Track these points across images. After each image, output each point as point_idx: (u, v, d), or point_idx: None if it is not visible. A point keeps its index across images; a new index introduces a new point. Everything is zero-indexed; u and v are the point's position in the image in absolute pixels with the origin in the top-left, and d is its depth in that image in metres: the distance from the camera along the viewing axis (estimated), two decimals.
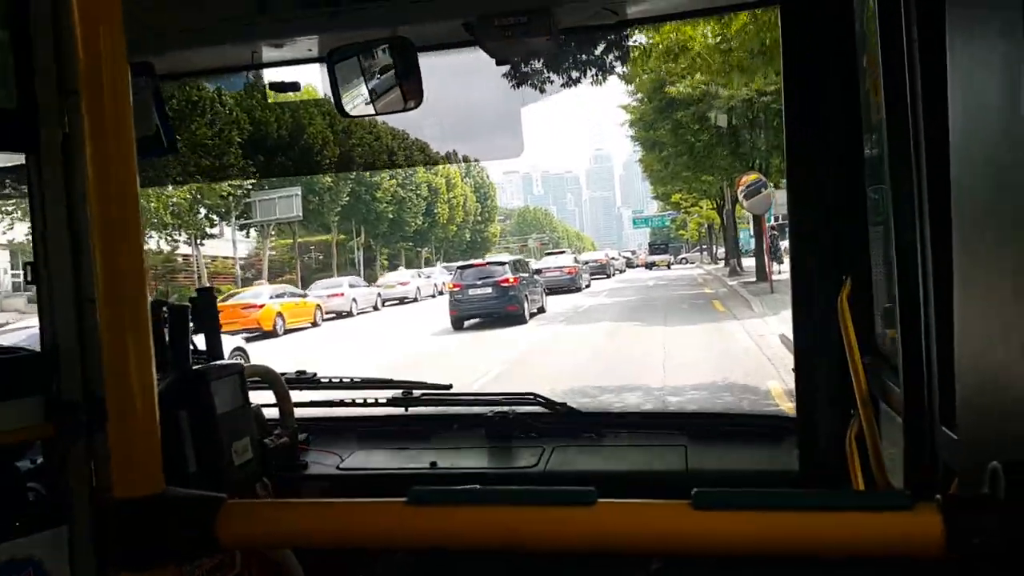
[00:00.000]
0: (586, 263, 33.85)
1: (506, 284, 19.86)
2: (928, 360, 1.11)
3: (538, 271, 22.90)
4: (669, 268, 50.74)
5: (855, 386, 1.56)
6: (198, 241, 30.93)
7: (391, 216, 53.97)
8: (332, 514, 0.86)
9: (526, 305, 19.11)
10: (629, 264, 62.67)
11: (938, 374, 1.08)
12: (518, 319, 18.63)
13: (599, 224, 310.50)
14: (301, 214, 37.54)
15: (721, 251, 46.69)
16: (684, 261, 63.53)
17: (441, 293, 27.81)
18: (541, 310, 20.61)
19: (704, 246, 64.30)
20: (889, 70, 1.20)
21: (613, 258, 47.31)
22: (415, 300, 29.54)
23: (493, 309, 18.98)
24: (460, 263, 25.09)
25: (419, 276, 34.20)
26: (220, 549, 0.83)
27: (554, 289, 26.07)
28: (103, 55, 0.81)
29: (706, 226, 49.24)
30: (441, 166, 47.64)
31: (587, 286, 30.63)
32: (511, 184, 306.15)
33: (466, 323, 19.01)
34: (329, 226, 44.35)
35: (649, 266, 52.02)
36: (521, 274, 19.87)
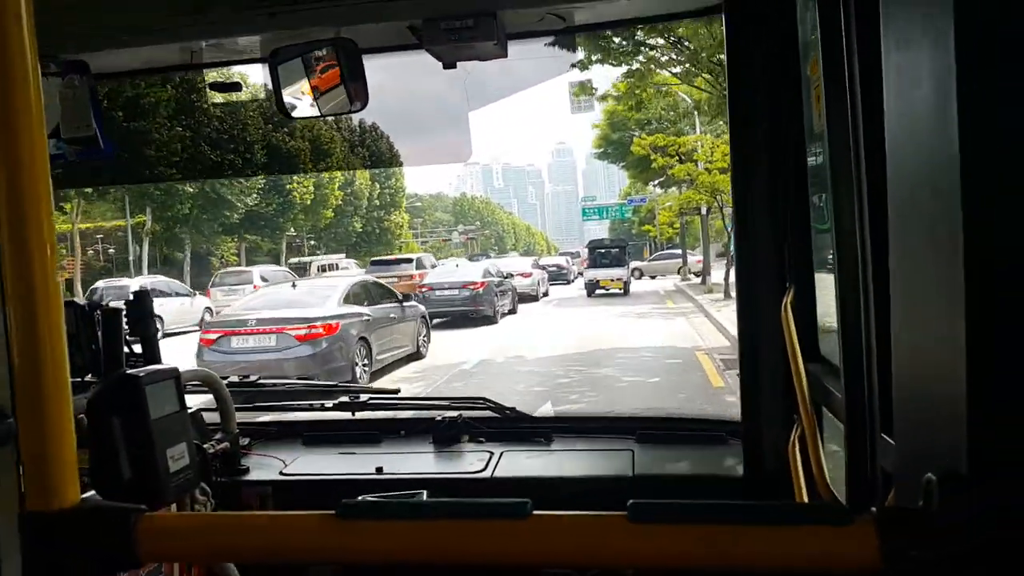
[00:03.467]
0: (432, 289, 20.91)
1: None
2: (868, 367, 1.21)
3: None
4: (625, 293, 30.69)
5: (798, 393, 1.69)
6: None
7: (194, 190, 40.04)
8: (258, 528, 0.87)
9: None
10: (559, 276, 42.33)
11: (878, 381, 1.17)
12: None
13: (560, 219, 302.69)
14: None
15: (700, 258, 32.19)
16: (638, 275, 41.80)
17: None
18: None
19: (680, 248, 36.56)
20: (830, 79, 1.33)
21: (507, 276, 25.30)
22: None
23: None
24: None
25: None
26: (139, 563, 0.86)
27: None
28: (9, 46, 0.83)
29: (704, 210, 23.67)
30: (310, 126, 35.98)
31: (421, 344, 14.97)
32: (471, 176, 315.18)
33: None
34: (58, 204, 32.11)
35: (591, 288, 31.03)
36: None
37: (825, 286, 1.76)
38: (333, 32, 1.96)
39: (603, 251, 33.86)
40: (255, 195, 41.24)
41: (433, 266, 28.76)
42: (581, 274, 32.96)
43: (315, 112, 2.07)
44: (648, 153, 26.67)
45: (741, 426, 2.07)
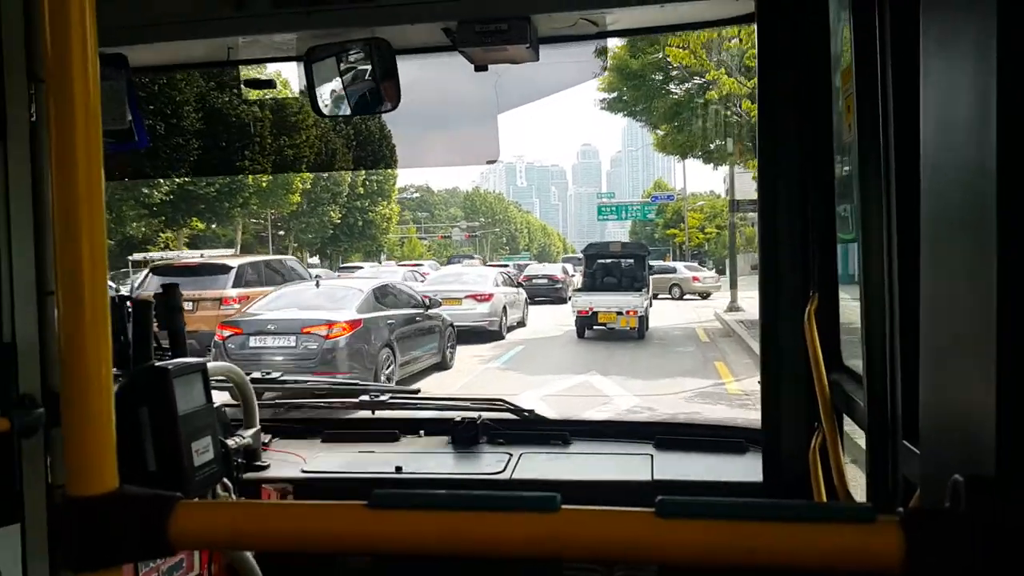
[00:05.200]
0: (244, 333, 11.62)
1: None
2: (892, 374, 1.28)
3: None
4: (640, 336, 17.76)
5: (819, 399, 1.77)
6: None
7: None
8: (289, 516, 0.92)
9: None
10: (550, 291, 29.71)
11: (902, 389, 1.24)
12: None
13: (583, 221, 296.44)
14: None
15: None
16: (674, 289, 32.10)
17: None
18: None
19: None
20: (862, 89, 1.40)
21: (428, 307, 13.74)
22: None
23: None
24: None
25: None
26: (173, 550, 0.90)
27: None
28: (72, 41, 0.87)
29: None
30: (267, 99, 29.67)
31: None
32: (494, 173, 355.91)
33: None
34: None
35: (584, 325, 18.29)
36: None
37: (849, 295, 1.84)
38: (368, 32, 2.04)
39: (607, 263, 21.30)
40: (183, 164, 33.54)
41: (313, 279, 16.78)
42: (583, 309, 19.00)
43: (346, 111, 2.17)
44: (698, 64, 15.51)
45: (761, 433, 2.16)
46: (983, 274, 0.74)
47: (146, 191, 33.37)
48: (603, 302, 18.30)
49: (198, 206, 37.94)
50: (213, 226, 42.50)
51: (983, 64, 0.74)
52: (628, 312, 17.88)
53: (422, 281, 23.09)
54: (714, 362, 14.80)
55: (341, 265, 42.52)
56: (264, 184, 39.32)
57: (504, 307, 19.48)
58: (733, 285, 23.93)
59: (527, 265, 41.25)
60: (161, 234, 39.34)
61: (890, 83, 1.23)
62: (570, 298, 21.04)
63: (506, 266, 42.27)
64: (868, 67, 1.31)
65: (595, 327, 18.37)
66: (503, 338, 18.70)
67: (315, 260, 54.32)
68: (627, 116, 24.37)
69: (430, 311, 13.84)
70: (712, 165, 24.15)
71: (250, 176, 37.93)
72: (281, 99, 32.20)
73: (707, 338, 18.69)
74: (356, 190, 52.37)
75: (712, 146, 19.98)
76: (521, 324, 21.32)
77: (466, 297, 18.18)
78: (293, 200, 43.03)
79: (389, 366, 12.00)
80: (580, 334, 18.73)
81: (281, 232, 49.90)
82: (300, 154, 34.91)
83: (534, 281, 29.29)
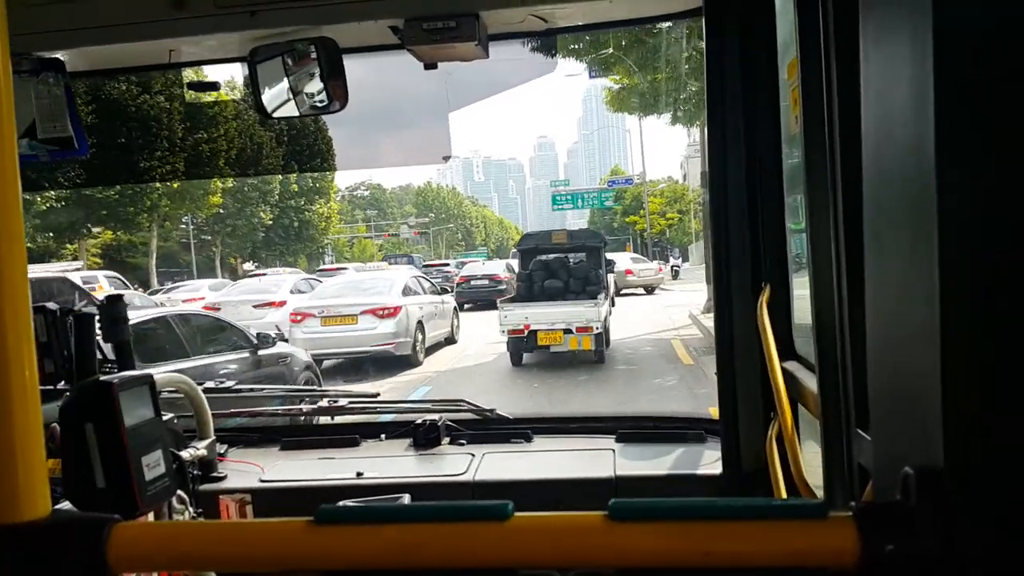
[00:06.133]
0: None
1: None
2: (843, 363, 1.31)
3: None
4: (600, 359, 12.49)
5: (774, 390, 1.84)
6: None
7: None
8: (232, 535, 0.90)
9: None
10: (494, 292, 22.19)
11: (853, 377, 1.28)
12: None
13: (542, 213, 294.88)
14: None
15: None
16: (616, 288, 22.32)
17: None
18: None
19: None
20: (808, 82, 1.46)
21: (272, 339, 8.63)
22: None
23: None
24: None
25: None
26: (112, 574, 0.88)
27: None
28: None
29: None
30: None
31: None
32: (451, 169, 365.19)
33: None
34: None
35: (521, 347, 12.58)
36: None
37: (800, 285, 1.92)
38: (314, 31, 2.06)
39: (549, 260, 15.70)
40: (73, 168, 29.51)
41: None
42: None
43: (294, 112, 2.16)
44: None
45: (719, 424, 2.21)
46: (925, 261, 0.76)
47: (27, 197, 29.17)
48: (544, 316, 13.27)
49: (98, 212, 34.48)
50: (129, 234, 38.38)
51: (920, 54, 0.75)
52: (580, 329, 13.02)
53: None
54: (708, 408, 9.06)
55: (251, 272, 38.70)
56: (176, 184, 36.99)
57: (419, 323, 14.97)
58: (709, 278, 17.72)
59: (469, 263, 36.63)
60: (68, 245, 35.02)
61: (834, 76, 1.28)
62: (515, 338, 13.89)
63: (447, 265, 38.03)
64: (813, 60, 1.37)
65: (535, 349, 13.35)
66: (419, 364, 14.43)
67: (249, 266, 50.33)
68: (567, 56, 18.77)
69: (268, 351, 8.93)
70: (682, 124, 19.95)
71: (164, 188, 35.49)
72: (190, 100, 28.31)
73: (689, 358, 13.93)
74: (289, 188, 50.52)
75: (686, 93, 15.84)
76: (450, 340, 17.06)
77: (363, 313, 14.02)
78: (214, 201, 41.00)
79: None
80: (515, 361, 13.96)
81: (208, 237, 45.74)
82: (217, 149, 30.80)
83: (473, 283, 24.92)
